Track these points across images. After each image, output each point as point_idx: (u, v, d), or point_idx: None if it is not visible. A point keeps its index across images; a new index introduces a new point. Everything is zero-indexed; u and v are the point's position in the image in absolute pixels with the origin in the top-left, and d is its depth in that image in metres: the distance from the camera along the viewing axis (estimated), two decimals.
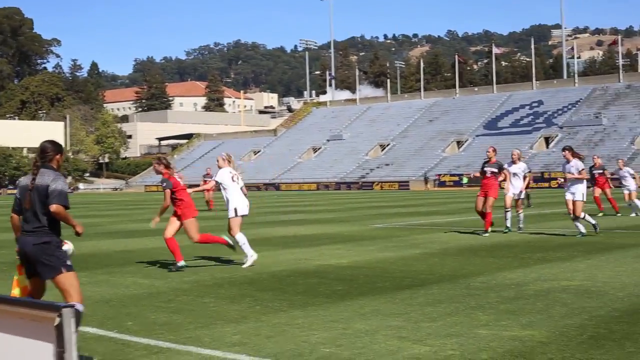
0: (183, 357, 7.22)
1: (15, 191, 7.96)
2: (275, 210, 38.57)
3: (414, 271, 13.22)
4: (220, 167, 14.61)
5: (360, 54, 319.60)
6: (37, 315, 3.39)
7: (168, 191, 13.74)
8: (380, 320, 8.80)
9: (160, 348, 7.56)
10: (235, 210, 14.43)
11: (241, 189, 14.59)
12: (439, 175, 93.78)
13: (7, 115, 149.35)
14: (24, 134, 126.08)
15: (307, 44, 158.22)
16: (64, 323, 3.27)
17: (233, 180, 14.41)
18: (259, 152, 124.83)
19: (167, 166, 13.96)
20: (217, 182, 14.61)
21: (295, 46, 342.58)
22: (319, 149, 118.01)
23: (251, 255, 14.22)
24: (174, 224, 13.94)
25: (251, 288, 11.41)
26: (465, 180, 63.47)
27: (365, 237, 20.72)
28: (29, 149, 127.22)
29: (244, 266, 14.09)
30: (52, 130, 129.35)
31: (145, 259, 15.84)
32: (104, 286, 11.97)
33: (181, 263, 13.78)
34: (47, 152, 7.69)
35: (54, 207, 7.41)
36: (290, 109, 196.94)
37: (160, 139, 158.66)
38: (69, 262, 7.71)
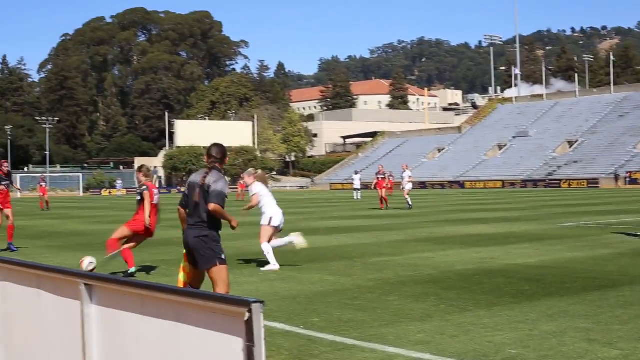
0: (367, 354, 7.28)
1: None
2: (460, 209, 38.25)
3: (604, 272, 12.81)
4: (246, 183, 14.77)
5: (547, 48, 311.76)
6: (227, 310, 3.49)
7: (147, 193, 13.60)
8: (569, 321, 8.59)
9: (345, 345, 7.66)
10: (270, 219, 14.32)
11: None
12: (630, 172, 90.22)
13: (199, 116, 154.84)
14: (214, 133, 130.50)
15: (491, 40, 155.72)
16: (253, 318, 3.35)
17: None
18: (443, 149, 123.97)
19: (147, 175, 13.92)
20: (256, 193, 14.48)
21: (480, 42, 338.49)
22: (504, 146, 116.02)
23: (274, 265, 14.04)
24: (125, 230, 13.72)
25: (436, 287, 11.37)
26: None
27: (553, 236, 20.24)
28: None
29: (261, 269, 14.06)
30: (241, 130, 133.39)
31: (331, 256, 16.06)
32: (291, 282, 12.22)
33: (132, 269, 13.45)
34: (216, 155, 8.75)
35: (211, 206, 8.35)
36: (475, 106, 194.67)
37: (344, 138, 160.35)
38: (223, 256, 8.45)
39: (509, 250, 16.62)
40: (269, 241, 14.21)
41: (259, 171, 15.20)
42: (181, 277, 9.11)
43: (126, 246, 13.49)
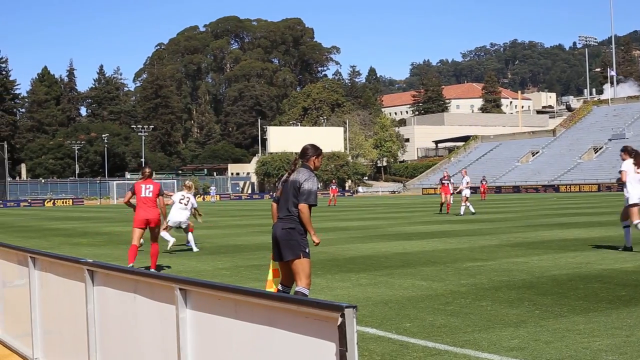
0: None
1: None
2: (554, 213, 37.66)
3: None
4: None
5: None
6: (320, 315, 3.52)
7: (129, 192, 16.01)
8: None
9: (437, 350, 7.62)
10: (168, 220, 20.06)
11: (193, 207, 20.76)
12: None
13: (291, 122, 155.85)
14: (306, 139, 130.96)
15: (586, 41, 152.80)
16: (346, 323, 3.37)
17: (180, 202, 20.32)
18: (537, 153, 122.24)
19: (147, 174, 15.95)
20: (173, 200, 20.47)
21: (574, 43, 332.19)
22: (600, 148, 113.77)
23: (169, 238, 19.97)
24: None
25: (530, 292, 11.22)
26: None
27: None
28: None
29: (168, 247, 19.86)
30: (333, 135, 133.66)
31: (423, 260, 15.99)
32: (383, 287, 12.21)
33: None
34: (307, 154, 9.07)
35: (300, 206, 8.74)
36: (569, 108, 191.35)
37: (437, 142, 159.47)
38: (307, 250, 8.72)
39: (605, 255, 16.31)
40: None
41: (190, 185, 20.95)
42: (273, 280, 9.34)
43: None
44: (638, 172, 16.75)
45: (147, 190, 15.50)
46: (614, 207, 41.51)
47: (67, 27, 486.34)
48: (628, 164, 16.77)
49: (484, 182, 68.47)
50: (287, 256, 8.74)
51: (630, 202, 16.63)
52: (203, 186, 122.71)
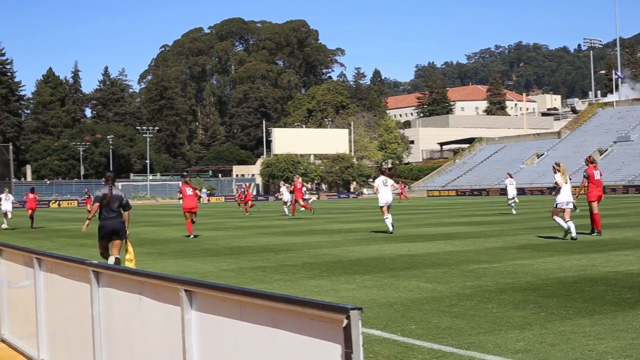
0: None
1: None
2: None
3: None
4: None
5: None
6: (325, 317, 3.50)
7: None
8: None
9: (443, 352, 7.60)
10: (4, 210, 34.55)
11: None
12: None
13: (295, 124, 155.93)
14: (311, 141, 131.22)
15: (591, 43, 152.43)
16: (351, 325, 3.36)
17: (7, 199, 35.55)
18: (542, 155, 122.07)
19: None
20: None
21: (579, 45, 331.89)
22: (605, 151, 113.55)
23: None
24: None
25: (535, 294, 11.20)
26: None
27: None
28: (315, 155, 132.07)
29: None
30: (337, 137, 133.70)
31: (428, 263, 15.97)
32: (388, 289, 12.19)
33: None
34: (113, 177, 15.36)
35: (128, 212, 15.20)
36: (574, 111, 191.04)
37: (441, 144, 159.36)
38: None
39: (611, 257, 16.27)
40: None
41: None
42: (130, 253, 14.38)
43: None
44: (386, 185, 25.20)
45: (189, 190, 26.76)
46: (618, 210, 41.47)
47: (72, 28, 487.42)
48: (379, 179, 25.44)
49: (404, 186, 76.78)
50: (122, 237, 14.84)
51: (380, 204, 25.51)
52: (206, 187, 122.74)
